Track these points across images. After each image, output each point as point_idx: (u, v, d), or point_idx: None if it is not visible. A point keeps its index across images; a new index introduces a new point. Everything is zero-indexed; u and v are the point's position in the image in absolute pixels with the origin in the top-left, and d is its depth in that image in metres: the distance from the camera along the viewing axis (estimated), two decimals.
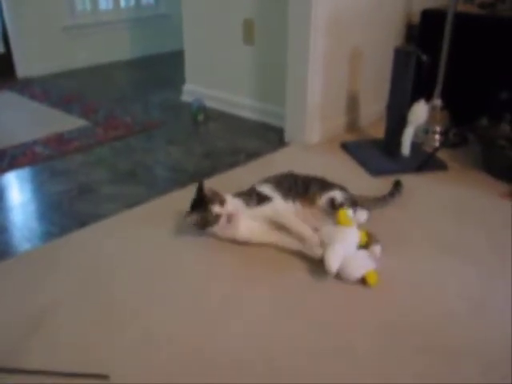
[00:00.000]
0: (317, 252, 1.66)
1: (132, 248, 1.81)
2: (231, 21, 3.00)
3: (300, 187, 1.90)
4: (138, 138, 2.82)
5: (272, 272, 1.68)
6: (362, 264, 1.61)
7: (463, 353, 1.35)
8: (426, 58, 2.32)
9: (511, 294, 1.56)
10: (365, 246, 1.71)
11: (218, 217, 1.76)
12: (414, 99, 2.39)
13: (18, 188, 2.32)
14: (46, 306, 1.51)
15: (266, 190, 1.88)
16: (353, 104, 2.87)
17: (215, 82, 3.25)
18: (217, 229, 1.79)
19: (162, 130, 2.94)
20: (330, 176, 2.00)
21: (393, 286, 1.61)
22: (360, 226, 1.79)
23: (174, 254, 1.77)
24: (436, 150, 2.47)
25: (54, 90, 3.66)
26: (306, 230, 1.75)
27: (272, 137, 2.81)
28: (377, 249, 1.69)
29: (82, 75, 4.13)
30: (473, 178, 2.32)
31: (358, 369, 1.30)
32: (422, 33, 2.88)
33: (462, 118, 2.62)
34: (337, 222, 1.71)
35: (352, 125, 2.90)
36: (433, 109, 2.63)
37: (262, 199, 1.83)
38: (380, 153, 2.50)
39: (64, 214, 2.05)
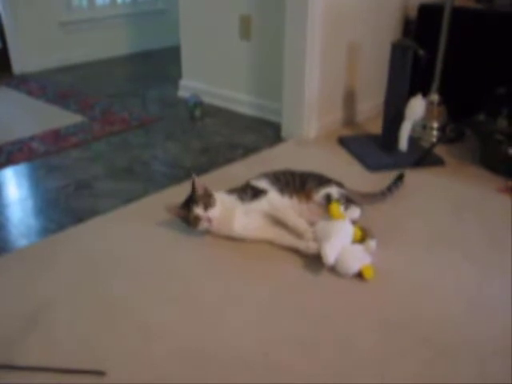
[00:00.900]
0: (312, 247, 1.66)
1: (129, 244, 1.81)
2: (228, 16, 2.99)
3: (297, 182, 1.90)
4: (135, 134, 2.82)
5: (269, 267, 1.68)
6: (357, 258, 1.61)
7: (461, 348, 1.35)
8: (423, 53, 2.31)
9: (510, 288, 1.57)
10: (360, 240, 1.71)
11: (197, 219, 1.76)
12: (411, 94, 2.38)
13: (15, 184, 2.31)
14: (43, 302, 1.51)
15: (262, 184, 1.88)
16: (350, 99, 2.87)
17: (212, 78, 3.25)
18: (209, 227, 1.79)
19: (159, 126, 2.93)
20: (327, 171, 2.00)
21: (390, 280, 1.61)
22: (358, 220, 1.79)
23: (171, 250, 1.77)
24: (433, 145, 2.47)
25: (50, 86, 3.65)
26: (301, 223, 1.75)
27: (269, 132, 2.81)
28: (372, 243, 1.69)
29: (78, 71, 4.12)
30: (470, 173, 2.32)
31: (356, 363, 1.30)
32: (419, 27, 2.88)
33: (459, 112, 2.62)
34: (329, 216, 1.71)
35: (349, 120, 2.90)
36: (430, 104, 2.62)
37: (256, 193, 1.83)
38: (377, 148, 2.50)
39: (61, 209, 2.04)
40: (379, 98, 2.63)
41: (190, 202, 1.78)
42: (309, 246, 1.68)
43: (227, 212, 1.79)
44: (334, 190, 1.86)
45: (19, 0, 3.84)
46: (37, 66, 4.04)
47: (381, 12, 2.83)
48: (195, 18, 3.19)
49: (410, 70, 2.35)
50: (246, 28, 2.94)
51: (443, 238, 1.84)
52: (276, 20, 2.69)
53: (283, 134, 2.74)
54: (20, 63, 3.99)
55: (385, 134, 2.49)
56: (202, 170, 2.35)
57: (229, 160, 2.46)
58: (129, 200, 2.09)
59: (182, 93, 3.39)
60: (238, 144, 2.66)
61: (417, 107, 2.37)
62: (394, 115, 2.42)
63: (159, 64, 4.32)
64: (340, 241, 1.63)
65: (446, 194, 2.14)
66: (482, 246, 1.79)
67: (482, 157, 2.38)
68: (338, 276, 1.61)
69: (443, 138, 2.58)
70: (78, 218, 1.97)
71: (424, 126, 2.66)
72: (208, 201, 1.77)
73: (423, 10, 2.86)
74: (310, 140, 2.67)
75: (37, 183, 2.28)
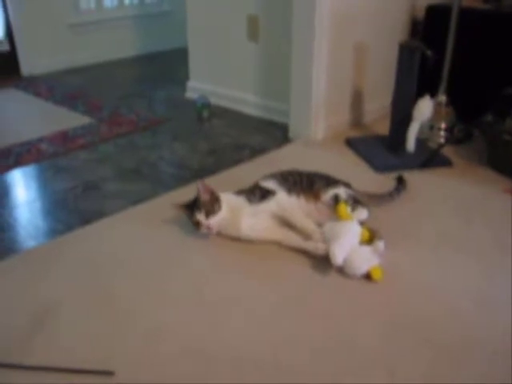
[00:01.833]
0: (321, 247, 1.66)
1: (136, 245, 1.81)
2: (235, 17, 3.00)
3: (305, 182, 1.90)
4: (143, 135, 2.83)
5: (276, 268, 1.68)
6: (366, 259, 1.61)
7: (466, 348, 1.34)
8: (430, 54, 2.31)
9: None
10: (368, 241, 1.71)
11: (198, 224, 1.78)
12: (418, 95, 2.38)
13: (23, 185, 2.33)
14: (50, 302, 1.51)
15: (270, 184, 1.89)
16: (357, 100, 2.86)
17: (220, 79, 3.25)
18: (209, 233, 1.80)
19: (167, 127, 2.94)
20: (334, 172, 2.00)
21: (397, 281, 1.61)
22: (365, 221, 1.79)
23: (177, 251, 1.77)
24: (441, 146, 2.46)
25: (58, 88, 3.66)
26: (309, 224, 1.76)
27: (276, 133, 2.81)
28: (380, 244, 1.69)
29: (86, 72, 4.13)
30: (478, 174, 2.31)
31: (362, 363, 1.30)
32: (427, 28, 2.87)
33: (466, 113, 2.61)
34: (337, 216, 1.71)
35: (357, 121, 2.89)
36: (438, 105, 2.62)
37: (264, 194, 1.83)
38: (385, 149, 2.49)
39: (69, 211, 2.05)
40: (387, 98, 2.63)
41: (194, 204, 1.79)
42: (317, 246, 1.68)
43: (235, 213, 1.79)
44: (341, 191, 1.85)
45: (27, 2, 3.86)
46: (45, 68, 4.05)
47: (388, 13, 2.82)
48: (203, 20, 3.20)
49: (417, 70, 2.34)
50: (253, 29, 2.94)
51: (450, 239, 1.84)
52: (283, 21, 2.68)
53: (290, 134, 2.74)
54: (28, 65, 4.00)
55: (392, 135, 2.48)
56: (209, 171, 2.35)
57: (236, 161, 2.46)
58: (136, 201, 2.10)
59: (190, 94, 3.40)
60: (245, 145, 2.67)
61: (424, 108, 2.36)
62: (401, 116, 2.41)
63: (166, 65, 4.33)
64: (348, 241, 1.63)
65: (454, 195, 2.13)
66: (488, 248, 1.78)
67: (490, 158, 2.37)
68: (345, 277, 1.61)
69: (451, 139, 2.58)
70: (86, 219, 1.98)
71: (432, 126, 2.65)
72: (212, 208, 1.77)
73: (431, 10, 2.85)
74: (317, 141, 2.66)
75: (45, 184, 2.29)
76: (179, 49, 4.19)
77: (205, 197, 1.77)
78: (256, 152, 2.57)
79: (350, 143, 2.61)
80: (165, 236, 1.85)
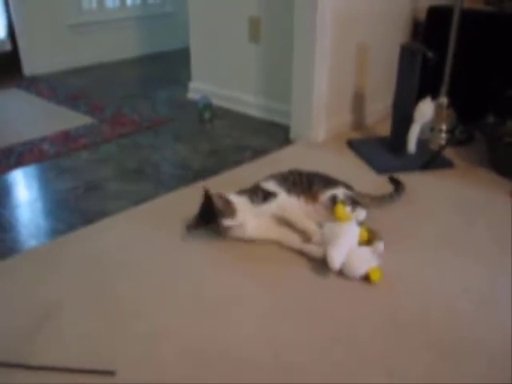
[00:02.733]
0: (318, 250, 1.66)
1: (138, 245, 1.82)
2: (237, 18, 3.00)
3: (304, 183, 1.91)
4: (145, 136, 2.83)
5: (277, 269, 1.68)
6: (364, 261, 1.61)
7: (468, 349, 1.35)
8: (432, 56, 2.31)
9: None
10: (368, 242, 1.72)
11: (229, 229, 1.77)
12: (420, 97, 2.38)
13: (25, 185, 2.33)
14: (52, 302, 1.52)
15: (270, 185, 1.89)
16: (359, 101, 2.87)
17: (221, 80, 3.26)
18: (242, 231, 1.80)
19: (169, 128, 2.94)
20: (335, 173, 2.01)
21: (397, 282, 1.61)
22: (365, 222, 1.80)
23: (179, 252, 1.77)
24: (442, 147, 2.47)
25: (60, 88, 3.67)
26: (309, 225, 1.77)
27: (278, 134, 2.81)
28: (380, 245, 1.69)
29: (88, 73, 4.14)
30: (479, 176, 2.31)
31: (361, 364, 1.30)
32: (429, 30, 2.87)
33: (468, 115, 2.61)
34: (335, 218, 1.71)
35: (358, 122, 2.90)
36: (439, 106, 2.62)
37: (266, 195, 1.84)
38: (386, 150, 2.50)
39: (70, 211, 2.06)
40: (388, 100, 2.63)
41: (206, 213, 1.77)
42: (314, 249, 1.68)
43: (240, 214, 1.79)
44: (340, 192, 1.86)
45: (30, 2, 3.87)
46: (47, 68, 4.06)
47: (390, 14, 2.82)
48: (204, 21, 3.20)
49: (418, 72, 2.34)
50: (255, 30, 2.94)
51: (451, 240, 1.84)
52: (285, 22, 2.69)
53: (292, 136, 2.74)
54: (30, 65, 4.01)
55: (393, 137, 2.49)
56: (211, 171, 2.35)
57: (237, 162, 2.47)
58: (138, 201, 2.10)
59: (192, 95, 3.40)
60: (246, 146, 2.67)
61: (426, 110, 2.36)
62: (402, 118, 2.41)
63: (168, 66, 4.34)
64: (347, 243, 1.63)
65: (455, 197, 2.14)
66: (490, 249, 1.78)
67: (491, 159, 2.37)
68: (345, 278, 1.61)
69: (452, 141, 2.58)
70: (88, 219, 1.98)
71: (433, 128, 2.65)
72: (230, 208, 1.76)
73: (432, 12, 2.85)
74: (318, 142, 2.67)
75: (47, 184, 2.29)
76: (181, 50, 4.19)
77: (219, 202, 1.76)
78: (257, 153, 2.57)
79: (352, 144, 2.61)
80: (166, 236, 1.85)
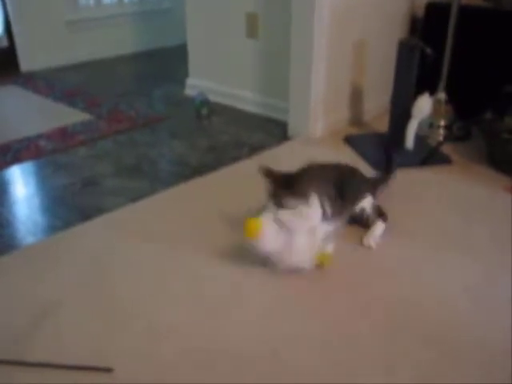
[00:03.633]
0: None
1: (135, 242, 1.81)
2: (235, 14, 2.99)
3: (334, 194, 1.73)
4: (142, 132, 2.82)
5: (275, 268, 1.67)
6: (302, 252, 1.56)
7: (465, 348, 1.35)
8: (430, 52, 2.31)
9: None
10: (369, 223, 1.71)
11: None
12: (417, 93, 2.38)
13: (22, 182, 2.32)
14: (50, 299, 1.51)
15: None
16: (357, 97, 2.86)
17: (219, 76, 3.25)
18: None
19: (166, 124, 2.94)
20: None
21: (395, 278, 1.61)
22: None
23: (176, 248, 1.77)
24: (440, 143, 2.46)
25: (57, 84, 3.66)
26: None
27: (275, 130, 2.81)
28: (379, 227, 1.64)
29: (85, 69, 4.13)
30: (477, 172, 2.31)
31: (361, 363, 1.30)
32: (426, 26, 2.87)
33: (466, 111, 2.61)
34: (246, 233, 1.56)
35: (356, 118, 2.89)
36: (437, 102, 2.62)
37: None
38: (383, 146, 2.49)
39: (67, 207, 2.05)
40: (386, 96, 2.63)
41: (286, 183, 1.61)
42: None
43: None
44: (367, 204, 1.78)
45: None
46: (44, 65, 4.04)
47: (388, 10, 2.82)
48: (202, 17, 3.19)
49: (416, 68, 2.34)
50: (252, 26, 2.94)
51: (449, 237, 1.84)
52: (283, 18, 2.68)
53: (290, 132, 2.74)
54: (27, 61, 3.99)
55: (391, 133, 2.49)
56: (208, 168, 2.35)
57: (235, 158, 2.46)
58: (135, 198, 2.09)
59: (189, 91, 3.39)
60: (244, 142, 2.66)
61: (424, 106, 2.36)
62: (400, 114, 2.41)
63: (165, 62, 4.33)
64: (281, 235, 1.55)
65: (453, 193, 2.13)
66: (488, 246, 1.78)
67: (490, 155, 2.37)
68: (346, 275, 1.61)
69: (450, 137, 2.58)
70: (85, 215, 1.97)
71: (431, 124, 2.65)
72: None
73: (430, 8, 2.85)
74: (316, 138, 2.66)
75: (44, 181, 2.29)
76: (179, 46, 4.18)
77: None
78: (255, 149, 2.56)
79: (349, 141, 2.61)
80: (164, 233, 1.85)
